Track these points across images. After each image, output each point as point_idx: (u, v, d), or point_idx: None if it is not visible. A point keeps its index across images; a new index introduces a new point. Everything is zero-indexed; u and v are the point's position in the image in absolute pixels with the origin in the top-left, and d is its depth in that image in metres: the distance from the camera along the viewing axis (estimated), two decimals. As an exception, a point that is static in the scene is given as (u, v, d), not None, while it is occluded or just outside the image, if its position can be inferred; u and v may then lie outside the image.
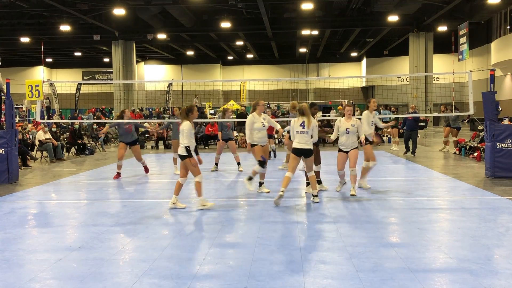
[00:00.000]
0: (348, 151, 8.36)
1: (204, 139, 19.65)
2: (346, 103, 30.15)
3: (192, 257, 5.05)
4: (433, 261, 4.83)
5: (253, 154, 8.68)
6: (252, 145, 8.58)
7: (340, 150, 8.45)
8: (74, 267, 4.80)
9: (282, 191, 7.49)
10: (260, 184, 8.83)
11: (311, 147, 7.65)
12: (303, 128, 7.58)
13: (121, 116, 11.15)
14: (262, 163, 8.38)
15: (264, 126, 8.61)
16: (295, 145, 7.65)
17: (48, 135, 15.13)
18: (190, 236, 5.88)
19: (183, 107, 8.55)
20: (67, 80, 46.13)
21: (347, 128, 8.28)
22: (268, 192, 8.64)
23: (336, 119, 8.59)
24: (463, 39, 26.07)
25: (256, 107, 8.70)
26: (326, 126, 20.38)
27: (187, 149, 7.26)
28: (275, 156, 14.50)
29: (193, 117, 7.51)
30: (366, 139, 8.60)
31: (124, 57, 33.37)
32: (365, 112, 8.93)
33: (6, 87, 11.01)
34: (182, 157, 7.35)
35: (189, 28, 31.18)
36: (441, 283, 4.23)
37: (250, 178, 8.32)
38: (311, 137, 7.64)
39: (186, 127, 7.32)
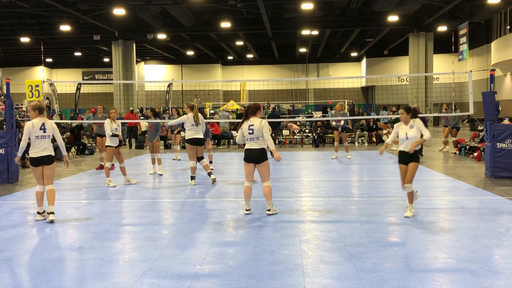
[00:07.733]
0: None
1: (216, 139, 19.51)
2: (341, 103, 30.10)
3: (192, 257, 5.05)
4: (433, 261, 4.83)
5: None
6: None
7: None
8: (74, 267, 4.80)
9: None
10: (209, 174, 9.95)
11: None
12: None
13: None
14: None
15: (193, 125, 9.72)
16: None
17: None
18: (190, 236, 5.88)
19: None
20: (67, 80, 46.11)
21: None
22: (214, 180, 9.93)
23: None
24: (463, 39, 26.08)
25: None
26: (327, 127, 20.45)
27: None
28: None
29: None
30: None
31: (124, 57, 33.35)
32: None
33: (6, 87, 11.02)
34: None
35: (189, 28, 31.16)
36: (441, 283, 4.23)
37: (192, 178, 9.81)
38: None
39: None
